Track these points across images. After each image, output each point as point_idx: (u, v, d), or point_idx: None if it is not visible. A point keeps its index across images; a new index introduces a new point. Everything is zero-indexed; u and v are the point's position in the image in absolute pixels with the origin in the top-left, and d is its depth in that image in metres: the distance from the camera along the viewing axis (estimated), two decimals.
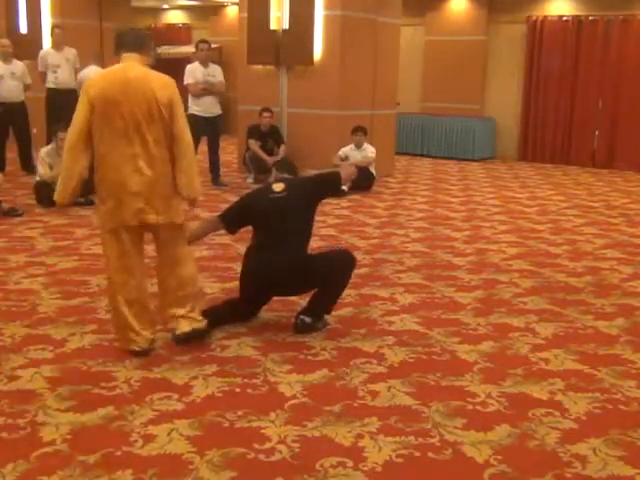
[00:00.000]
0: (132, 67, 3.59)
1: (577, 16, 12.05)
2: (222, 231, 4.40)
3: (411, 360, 3.71)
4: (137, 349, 3.65)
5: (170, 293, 3.79)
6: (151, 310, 3.81)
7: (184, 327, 3.76)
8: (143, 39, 3.72)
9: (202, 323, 3.83)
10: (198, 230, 4.36)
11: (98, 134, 3.53)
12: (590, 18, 11.92)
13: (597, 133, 12.20)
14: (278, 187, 4.11)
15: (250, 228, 4.23)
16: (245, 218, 4.20)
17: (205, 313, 4.02)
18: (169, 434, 2.88)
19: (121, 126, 3.49)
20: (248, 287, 4.15)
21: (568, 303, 4.75)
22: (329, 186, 4.33)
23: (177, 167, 3.60)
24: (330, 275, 4.03)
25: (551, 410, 3.18)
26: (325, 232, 6.58)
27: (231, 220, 4.22)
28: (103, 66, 10.15)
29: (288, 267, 3.95)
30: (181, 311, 3.77)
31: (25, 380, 3.34)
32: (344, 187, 8.18)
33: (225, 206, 7.83)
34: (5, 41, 9.24)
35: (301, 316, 4.04)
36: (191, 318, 3.79)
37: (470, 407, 3.19)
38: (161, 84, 3.57)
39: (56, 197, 3.70)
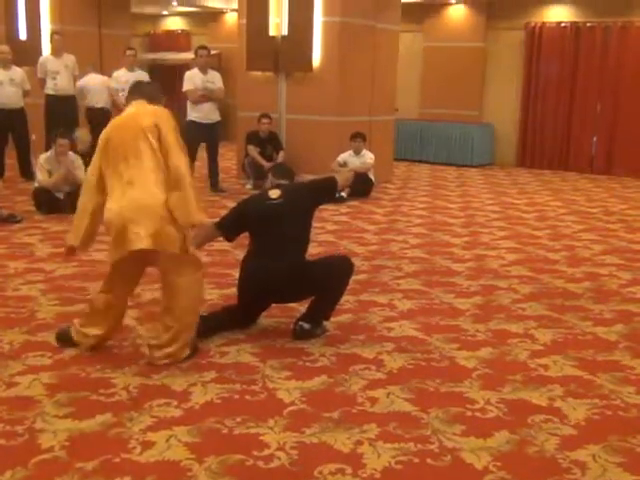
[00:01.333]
0: (132, 108, 3.72)
1: (575, 22, 12.09)
2: (220, 238, 4.38)
3: (410, 366, 3.71)
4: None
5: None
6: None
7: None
8: (153, 92, 3.85)
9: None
10: (196, 239, 4.34)
11: (105, 175, 3.62)
12: (588, 25, 11.96)
13: (595, 139, 12.22)
14: (274, 193, 4.11)
15: (248, 234, 4.23)
16: (242, 225, 4.20)
17: (204, 319, 4.02)
18: (168, 441, 2.88)
19: (113, 160, 3.56)
20: (246, 294, 4.15)
21: (567, 309, 4.75)
22: (325, 192, 4.34)
23: (171, 198, 3.51)
24: (328, 281, 4.03)
25: (550, 416, 3.18)
26: (324, 238, 6.59)
27: (228, 227, 4.22)
28: (102, 73, 10.20)
29: (286, 273, 3.95)
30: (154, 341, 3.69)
31: (23, 387, 3.33)
32: (343, 193, 8.20)
33: (224, 212, 7.85)
34: (4, 47, 9.26)
35: (300, 322, 4.04)
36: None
37: (469, 413, 3.19)
38: (148, 113, 3.61)
39: (70, 240, 3.75)
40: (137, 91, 3.84)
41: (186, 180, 3.52)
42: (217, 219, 4.31)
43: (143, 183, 3.52)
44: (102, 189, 3.62)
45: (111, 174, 3.58)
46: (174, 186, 3.51)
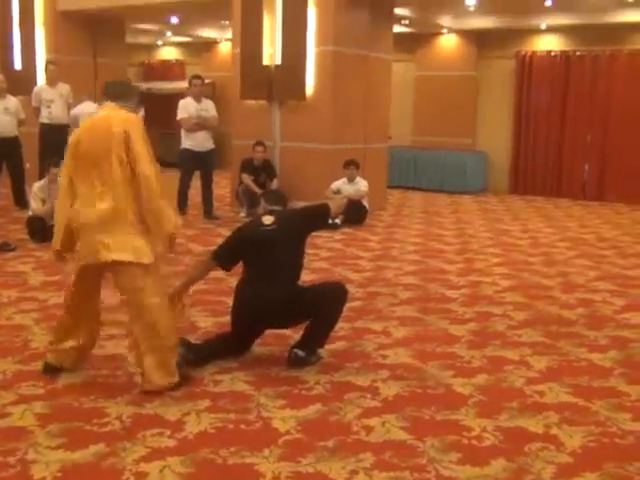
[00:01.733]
0: (104, 110, 3.69)
1: (565, 51, 12.26)
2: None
3: (405, 394, 3.69)
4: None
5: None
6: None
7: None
8: (123, 90, 3.77)
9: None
10: (193, 275, 4.33)
11: (74, 178, 3.60)
12: (578, 53, 12.12)
13: (587, 166, 12.32)
14: (268, 220, 4.11)
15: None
16: (238, 253, 4.18)
17: (198, 348, 4.00)
18: (161, 471, 2.85)
19: (82, 164, 3.55)
20: (240, 321, 4.13)
21: (562, 335, 4.75)
22: (319, 218, 4.33)
23: (142, 207, 3.50)
24: (321, 307, 4.01)
25: (547, 444, 3.16)
26: (318, 265, 6.58)
27: (224, 257, 4.18)
28: (96, 101, 10.25)
29: (280, 299, 3.94)
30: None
31: (16, 417, 3.30)
32: (337, 220, 8.22)
33: (218, 240, 7.85)
34: None
35: (294, 350, 4.02)
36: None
37: (465, 441, 3.17)
38: (120, 120, 3.56)
39: (54, 245, 3.73)
40: (109, 91, 3.75)
41: (156, 191, 3.49)
42: (213, 249, 4.29)
43: (114, 194, 3.49)
44: (73, 191, 3.61)
45: (82, 180, 3.55)
46: (146, 198, 3.48)
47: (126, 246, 3.51)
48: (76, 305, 3.76)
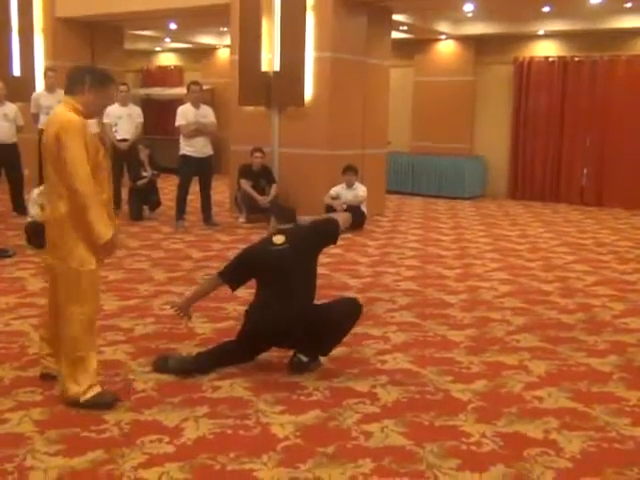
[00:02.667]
0: (61, 104, 3.56)
1: (563, 57, 12.29)
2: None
3: (404, 400, 3.69)
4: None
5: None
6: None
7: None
8: (69, 80, 3.53)
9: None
10: (199, 290, 4.36)
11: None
12: (576, 59, 12.16)
13: (585, 171, 12.34)
14: (278, 240, 4.04)
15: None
16: (246, 274, 4.12)
17: (200, 356, 4.00)
18: (160, 478, 2.84)
19: (43, 159, 3.53)
20: (254, 344, 4.05)
21: (560, 340, 4.75)
22: (330, 236, 4.26)
23: (78, 217, 3.38)
24: (335, 321, 3.97)
25: (546, 449, 3.16)
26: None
27: (231, 277, 4.13)
28: None
29: (295, 322, 3.87)
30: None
31: (14, 423, 3.29)
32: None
33: (217, 246, 7.86)
34: None
35: (298, 354, 4.02)
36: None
37: (464, 447, 3.16)
38: (54, 120, 3.42)
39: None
40: (66, 80, 3.54)
41: (84, 204, 3.31)
42: (221, 269, 4.23)
43: (50, 194, 3.49)
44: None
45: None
46: (74, 198, 3.34)
47: (55, 249, 3.49)
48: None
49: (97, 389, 3.49)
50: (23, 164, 9.60)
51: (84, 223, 3.36)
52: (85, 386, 3.46)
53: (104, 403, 3.46)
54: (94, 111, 3.61)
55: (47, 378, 3.77)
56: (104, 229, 3.38)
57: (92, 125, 9.50)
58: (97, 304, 3.61)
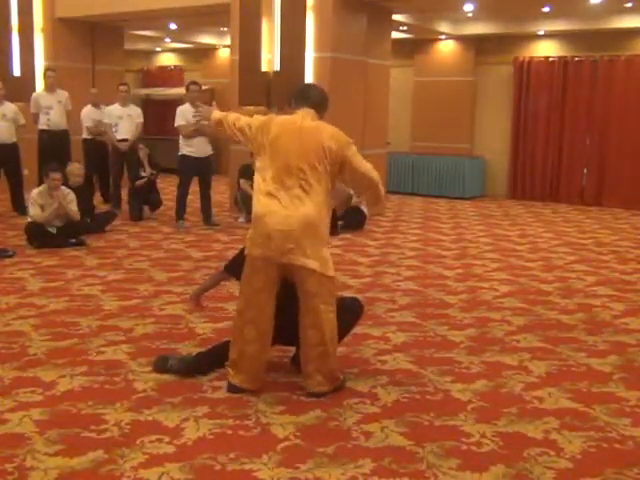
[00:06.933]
0: (305, 118, 3.87)
1: (563, 57, 12.29)
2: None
3: (404, 400, 3.69)
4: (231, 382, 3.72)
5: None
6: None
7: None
8: (322, 99, 4.09)
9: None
10: (207, 282, 4.43)
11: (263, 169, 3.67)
12: (576, 59, 12.16)
13: (585, 171, 12.34)
14: None
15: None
16: None
17: (201, 356, 3.99)
18: (160, 478, 2.83)
19: (283, 166, 3.63)
20: None
21: (561, 340, 4.75)
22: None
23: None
24: (339, 325, 3.95)
25: (546, 449, 3.15)
26: None
27: (235, 269, 4.09)
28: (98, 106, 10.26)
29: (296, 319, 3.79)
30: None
31: (14, 424, 3.28)
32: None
33: (217, 246, 7.86)
34: None
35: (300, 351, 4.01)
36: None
37: (464, 447, 3.16)
38: (330, 134, 3.84)
39: None
40: (303, 97, 4.08)
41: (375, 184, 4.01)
42: (226, 263, 4.23)
43: (303, 198, 3.70)
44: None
45: (272, 175, 3.72)
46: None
47: (314, 251, 3.74)
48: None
49: None
50: (23, 164, 9.61)
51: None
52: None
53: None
54: None
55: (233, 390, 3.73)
56: None
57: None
58: None
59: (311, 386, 3.69)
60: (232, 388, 3.70)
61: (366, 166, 3.89)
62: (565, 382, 3.98)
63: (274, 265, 3.61)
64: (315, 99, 4.01)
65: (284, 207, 3.58)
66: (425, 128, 13.61)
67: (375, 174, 3.91)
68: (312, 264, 3.58)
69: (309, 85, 4.14)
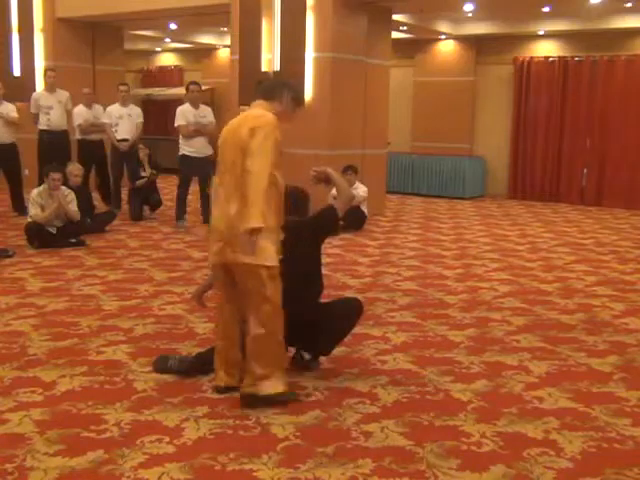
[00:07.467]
0: (251, 110, 3.69)
1: (563, 57, 12.29)
2: None
3: (404, 400, 3.68)
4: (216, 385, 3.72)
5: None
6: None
7: None
8: (272, 87, 3.77)
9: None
10: (207, 281, 4.33)
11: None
12: (576, 59, 12.15)
13: (585, 171, 12.34)
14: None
15: None
16: None
17: (201, 356, 3.99)
18: (160, 478, 2.83)
19: (221, 163, 3.62)
20: None
21: (561, 340, 4.74)
22: (326, 223, 4.07)
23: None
24: (338, 320, 3.95)
25: (546, 449, 3.15)
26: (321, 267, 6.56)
27: None
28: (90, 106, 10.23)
29: (295, 321, 3.75)
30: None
31: (14, 424, 3.28)
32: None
33: None
34: None
35: (302, 352, 4.02)
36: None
37: (465, 447, 3.16)
38: (251, 124, 3.50)
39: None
40: (256, 89, 3.83)
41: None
42: None
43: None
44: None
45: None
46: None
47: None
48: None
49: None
50: (22, 164, 9.60)
51: None
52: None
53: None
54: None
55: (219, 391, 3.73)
56: None
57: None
58: None
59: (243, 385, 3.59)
60: (214, 388, 3.73)
61: (260, 164, 3.38)
62: (565, 382, 3.98)
63: (217, 266, 3.66)
64: (264, 89, 3.77)
65: (219, 207, 3.58)
66: (425, 128, 13.61)
67: (260, 180, 3.37)
68: (243, 258, 3.45)
69: (264, 74, 3.93)
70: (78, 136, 10.09)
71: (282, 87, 3.76)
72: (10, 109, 9.29)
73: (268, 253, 3.47)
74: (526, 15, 11.75)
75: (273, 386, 3.52)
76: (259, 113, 3.59)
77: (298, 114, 3.92)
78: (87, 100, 10.00)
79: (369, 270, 6.78)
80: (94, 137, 9.98)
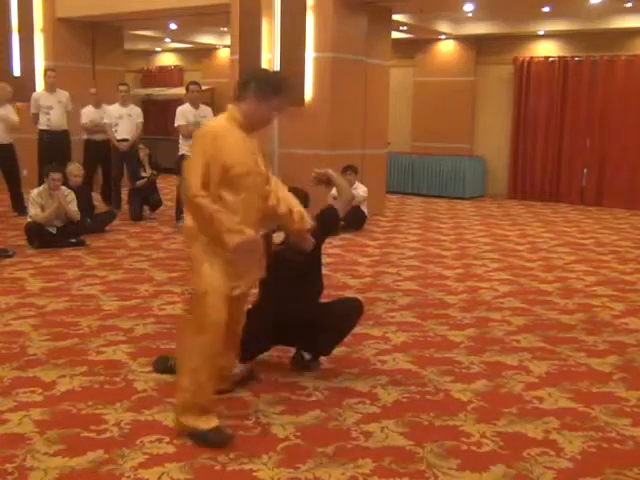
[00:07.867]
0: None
1: (563, 57, 12.29)
2: None
3: (404, 400, 3.68)
4: None
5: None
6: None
7: None
8: (240, 87, 3.27)
9: None
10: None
11: None
12: (576, 59, 12.16)
13: (585, 171, 12.34)
14: (278, 238, 3.95)
15: None
16: None
17: None
18: (160, 478, 2.83)
19: None
20: (256, 343, 3.91)
21: (560, 340, 4.74)
22: (327, 224, 4.02)
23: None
24: (338, 320, 3.95)
25: (546, 449, 3.15)
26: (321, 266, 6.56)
27: None
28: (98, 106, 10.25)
29: (302, 316, 3.81)
30: None
31: (14, 424, 3.28)
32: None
33: None
34: None
35: (302, 352, 4.02)
36: None
37: (465, 447, 3.16)
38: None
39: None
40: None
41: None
42: None
43: None
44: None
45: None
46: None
47: None
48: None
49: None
50: (21, 164, 9.60)
51: None
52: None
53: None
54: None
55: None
56: None
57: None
58: None
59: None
60: None
61: (187, 165, 3.14)
62: (565, 382, 3.98)
63: None
64: (234, 90, 3.33)
65: None
66: (425, 128, 13.62)
67: (195, 209, 3.11)
68: None
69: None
70: (84, 136, 10.11)
71: (247, 83, 3.24)
72: (10, 111, 9.28)
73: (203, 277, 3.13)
74: (526, 15, 11.75)
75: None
76: (208, 122, 3.35)
77: (284, 106, 3.35)
78: (95, 100, 10.03)
79: (369, 270, 6.78)
80: (100, 137, 10.00)
